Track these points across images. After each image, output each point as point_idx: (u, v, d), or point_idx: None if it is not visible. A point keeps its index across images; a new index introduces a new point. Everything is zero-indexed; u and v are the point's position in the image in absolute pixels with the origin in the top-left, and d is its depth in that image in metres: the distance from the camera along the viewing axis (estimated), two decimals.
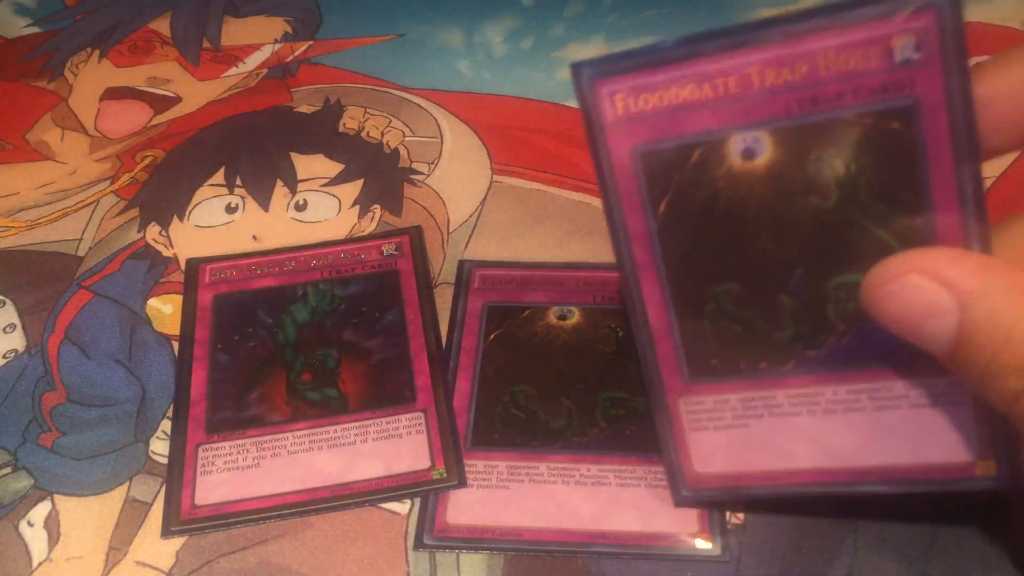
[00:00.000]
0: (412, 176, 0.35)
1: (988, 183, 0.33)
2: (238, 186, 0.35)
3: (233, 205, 0.35)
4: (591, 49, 0.40)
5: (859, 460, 0.22)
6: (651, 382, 0.23)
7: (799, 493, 0.23)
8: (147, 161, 0.36)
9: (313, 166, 0.36)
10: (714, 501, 0.25)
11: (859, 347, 0.21)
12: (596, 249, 0.32)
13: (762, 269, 0.21)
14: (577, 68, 0.20)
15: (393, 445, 0.27)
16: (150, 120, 0.38)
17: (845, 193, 0.19)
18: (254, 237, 0.33)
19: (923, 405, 0.21)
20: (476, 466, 0.27)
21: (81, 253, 0.33)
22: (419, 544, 0.26)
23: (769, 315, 0.21)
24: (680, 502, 0.25)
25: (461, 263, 0.32)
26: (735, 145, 0.20)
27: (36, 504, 0.27)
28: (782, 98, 0.19)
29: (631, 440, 0.27)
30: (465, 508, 0.26)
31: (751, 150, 0.20)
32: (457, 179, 0.35)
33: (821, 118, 0.19)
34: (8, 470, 0.28)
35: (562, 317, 0.30)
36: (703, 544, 0.25)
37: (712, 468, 0.24)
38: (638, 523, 0.25)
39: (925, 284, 0.18)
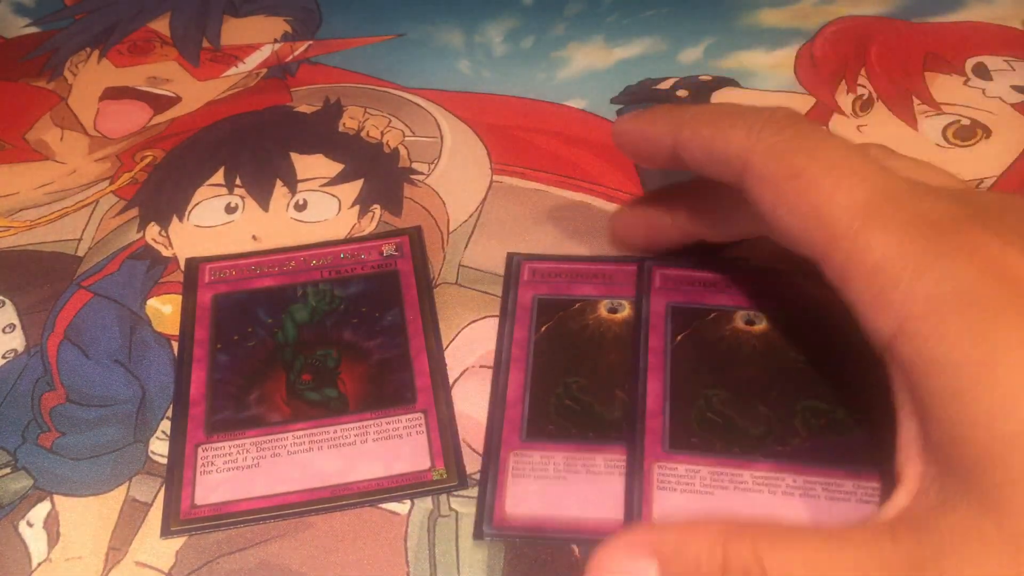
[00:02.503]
0: (412, 176, 0.35)
1: (989, 183, 0.33)
2: (238, 186, 0.35)
3: (233, 205, 0.35)
4: (591, 49, 0.40)
5: None
6: (635, 450, 0.26)
7: None
8: (146, 161, 0.36)
9: (313, 166, 0.36)
10: None
11: (818, 450, 0.26)
12: (596, 249, 0.32)
13: (748, 386, 0.27)
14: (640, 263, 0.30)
15: (393, 445, 0.27)
16: (150, 120, 0.38)
17: (815, 352, 0.28)
18: (254, 237, 0.33)
19: (868, 502, 0.25)
20: (533, 458, 0.27)
21: (81, 253, 0.33)
22: (478, 534, 0.25)
23: (748, 416, 0.27)
24: None
25: (510, 256, 0.32)
26: (740, 316, 0.29)
27: (36, 504, 0.27)
28: None
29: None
30: (521, 499, 0.26)
31: (751, 320, 0.29)
32: (457, 179, 0.35)
33: None
34: (8, 470, 0.28)
35: (613, 310, 0.30)
36: None
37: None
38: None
39: (624, 561, 0.21)
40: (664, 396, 0.27)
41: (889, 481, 0.24)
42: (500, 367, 0.29)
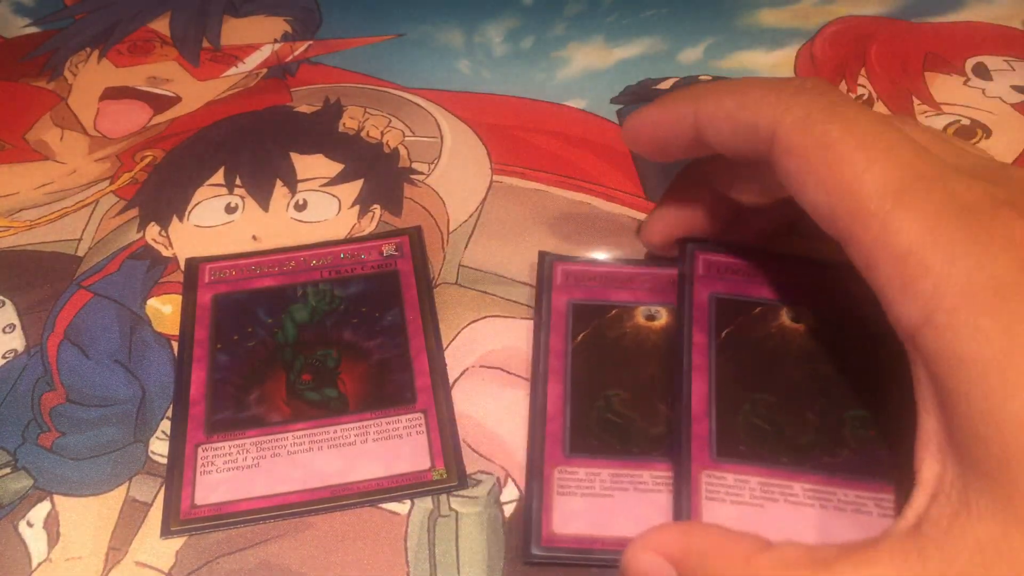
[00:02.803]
0: (412, 176, 0.35)
1: None
2: (238, 186, 0.35)
3: (233, 205, 0.34)
4: (591, 49, 0.40)
5: None
6: (681, 456, 0.25)
7: None
8: (147, 161, 0.36)
9: (313, 166, 0.36)
10: None
11: (869, 463, 0.25)
12: (596, 249, 0.32)
13: (795, 392, 0.26)
14: (682, 243, 0.28)
15: (393, 446, 0.27)
16: (150, 120, 0.38)
17: (860, 357, 0.26)
18: (254, 237, 0.33)
19: None
20: (578, 474, 0.26)
21: (81, 253, 0.33)
22: (527, 557, 0.24)
23: (796, 424, 0.25)
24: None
25: (542, 255, 0.30)
26: (786, 313, 0.27)
27: (36, 504, 0.27)
28: None
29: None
30: (569, 517, 0.25)
31: (798, 317, 0.27)
32: (457, 179, 0.35)
33: None
34: (8, 470, 0.28)
35: (650, 318, 0.29)
36: None
37: None
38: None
39: (648, 557, 0.21)
40: (709, 399, 0.26)
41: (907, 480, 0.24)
42: (538, 379, 0.28)
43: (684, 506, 0.24)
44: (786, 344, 0.27)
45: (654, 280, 0.29)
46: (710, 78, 0.38)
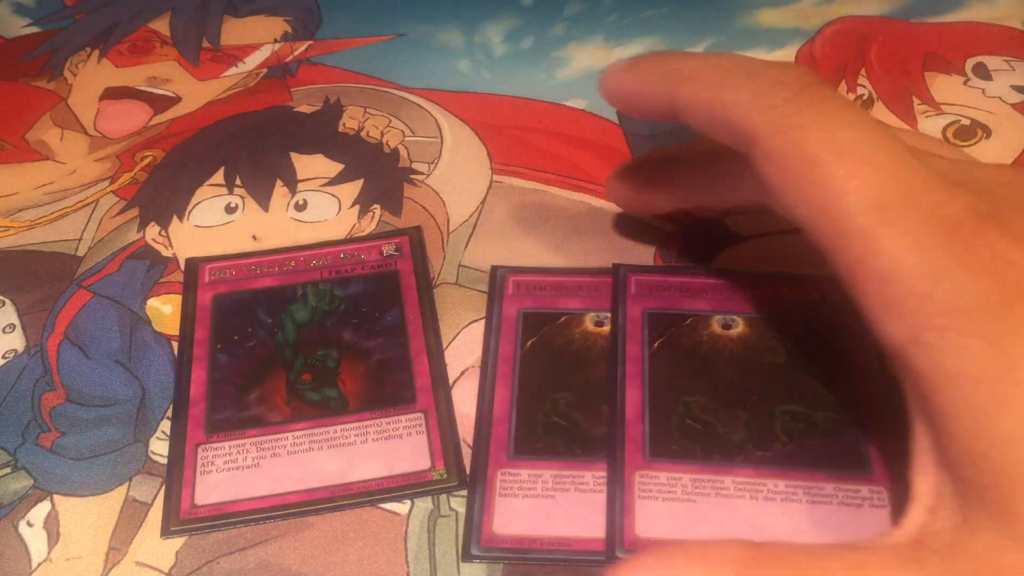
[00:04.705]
0: (412, 176, 0.35)
1: None
2: (238, 186, 0.35)
3: (233, 205, 0.34)
4: (591, 49, 0.40)
5: (792, 541, 0.24)
6: (615, 459, 0.26)
7: None
8: (146, 161, 0.36)
9: (313, 166, 0.36)
10: None
11: (798, 454, 0.26)
12: (597, 249, 0.32)
13: (727, 391, 0.27)
14: (616, 267, 0.31)
15: (393, 446, 0.27)
16: (150, 120, 0.38)
17: (792, 356, 0.28)
18: (254, 237, 0.33)
19: (850, 504, 0.25)
20: (520, 475, 0.26)
21: (80, 253, 0.33)
22: (466, 556, 0.25)
23: (727, 422, 0.27)
24: (609, 558, 0.25)
25: (494, 269, 0.31)
26: (716, 320, 0.29)
27: (36, 504, 0.27)
28: None
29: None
30: (510, 519, 0.26)
31: (728, 324, 0.29)
32: (457, 179, 0.35)
33: None
34: (8, 470, 0.28)
35: (599, 324, 0.29)
36: None
37: (653, 534, 0.25)
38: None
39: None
40: (643, 404, 0.27)
41: (896, 491, 0.25)
42: (486, 383, 0.28)
43: (617, 505, 0.25)
44: (717, 349, 0.28)
45: (604, 288, 0.30)
46: None
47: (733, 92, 0.21)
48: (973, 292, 0.18)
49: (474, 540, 0.25)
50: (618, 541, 0.25)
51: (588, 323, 0.30)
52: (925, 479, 0.19)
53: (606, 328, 0.29)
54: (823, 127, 0.20)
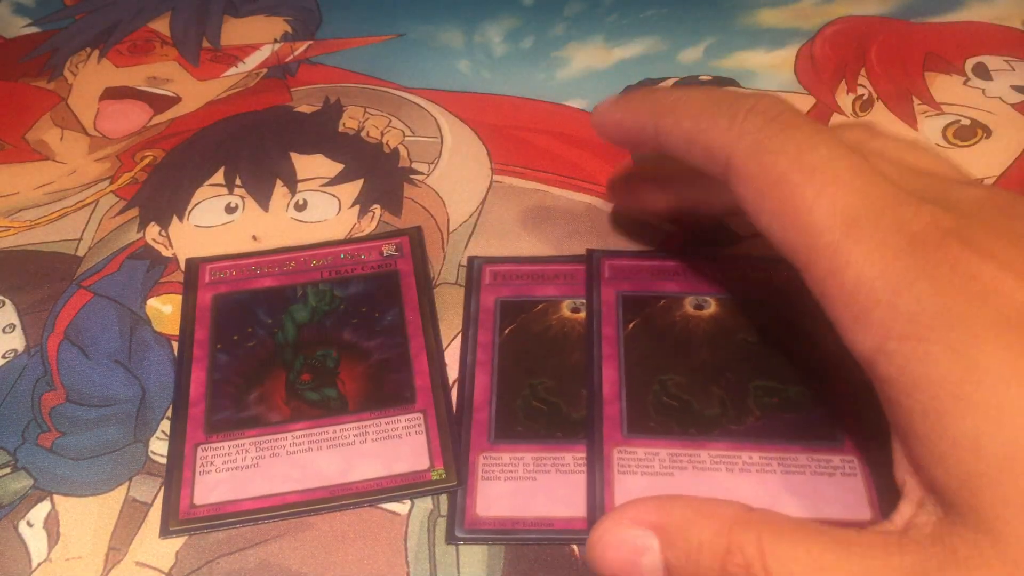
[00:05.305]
0: (412, 176, 0.35)
1: (988, 183, 0.33)
2: (238, 186, 0.35)
3: (233, 205, 0.35)
4: (591, 49, 0.40)
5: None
6: (594, 436, 0.27)
7: None
8: (146, 161, 0.36)
9: (313, 166, 0.36)
10: None
11: (772, 427, 0.27)
12: (598, 248, 0.32)
13: (701, 369, 0.28)
14: (589, 252, 0.31)
15: (392, 445, 0.27)
16: (150, 120, 0.38)
17: (763, 334, 0.29)
18: (254, 237, 0.33)
19: (823, 473, 0.26)
20: (502, 459, 0.27)
21: (81, 253, 0.33)
22: (451, 539, 0.26)
23: (703, 398, 0.28)
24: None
25: (471, 260, 0.32)
26: (689, 302, 0.30)
27: (36, 504, 0.27)
28: None
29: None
30: (493, 501, 0.26)
31: (700, 305, 0.30)
32: (457, 179, 0.35)
33: None
34: (8, 470, 0.28)
35: (575, 310, 0.30)
36: None
37: None
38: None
39: (625, 530, 0.21)
40: (620, 383, 0.28)
41: (866, 461, 0.26)
42: (465, 371, 0.29)
43: (597, 480, 0.26)
44: (691, 329, 0.29)
45: (580, 275, 0.31)
46: (710, 78, 0.38)
47: (710, 121, 0.23)
48: (935, 302, 0.19)
49: (458, 523, 0.26)
50: (599, 516, 0.25)
51: (565, 310, 0.30)
52: (910, 479, 0.20)
53: (583, 314, 0.30)
54: (793, 150, 0.21)
